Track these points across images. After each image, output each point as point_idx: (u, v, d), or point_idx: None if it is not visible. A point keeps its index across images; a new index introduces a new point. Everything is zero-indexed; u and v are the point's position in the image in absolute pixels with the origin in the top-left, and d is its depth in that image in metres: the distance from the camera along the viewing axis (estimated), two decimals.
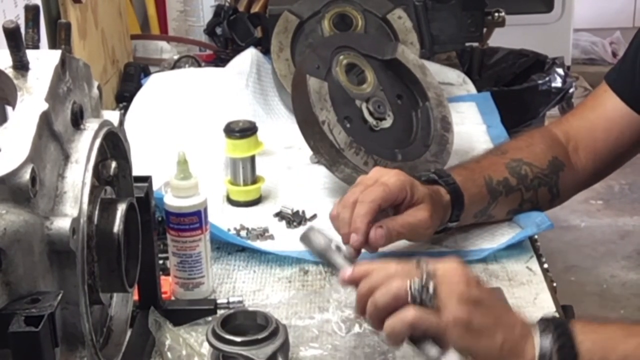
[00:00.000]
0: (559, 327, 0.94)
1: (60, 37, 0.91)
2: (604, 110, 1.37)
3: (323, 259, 1.05)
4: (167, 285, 1.19)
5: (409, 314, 0.91)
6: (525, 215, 1.34)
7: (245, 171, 1.47)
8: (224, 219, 1.40)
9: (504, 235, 1.33)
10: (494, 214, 1.33)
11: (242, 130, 1.45)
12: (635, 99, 1.34)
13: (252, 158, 1.47)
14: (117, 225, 0.89)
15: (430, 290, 0.91)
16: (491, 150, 1.43)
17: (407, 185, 1.19)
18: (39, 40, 0.89)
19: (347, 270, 1.00)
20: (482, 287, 0.96)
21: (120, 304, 1.01)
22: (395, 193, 1.17)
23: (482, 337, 0.92)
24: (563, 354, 0.93)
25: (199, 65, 2.11)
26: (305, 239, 1.07)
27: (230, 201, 1.48)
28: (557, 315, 1.15)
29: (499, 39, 2.33)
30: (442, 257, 1.25)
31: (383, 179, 1.19)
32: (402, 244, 1.31)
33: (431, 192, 1.23)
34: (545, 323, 0.95)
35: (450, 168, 1.35)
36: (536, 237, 1.35)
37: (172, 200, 1.15)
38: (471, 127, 1.76)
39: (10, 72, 0.84)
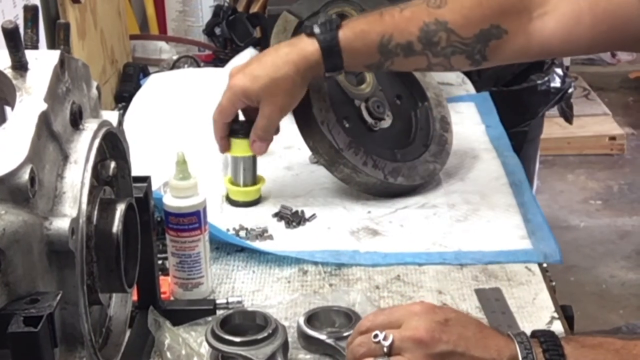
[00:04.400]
0: (549, 349, 0.90)
1: (59, 37, 0.91)
2: None
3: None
4: (166, 285, 1.19)
5: None
6: (539, 235, 1.32)
7: (247, 172, 1.46)
8: (223, 219, 1.40)
9: (506, 237, 1.33)
10: (393, 69, 1.37)
11: (242, 130, 1.44)
12: None
13: (254, 158, 1.46)
14: (116, 226, 0.89)
15: None
16: None
17: (237, 95, 1.37)
18: (37, 40, 0.89)
19: None
20: (450, 326, 0.92)
21: (120, 304, 1.01)
22: (229, 106, 1.39)
23: None
24: None
25: (198, 66, 2.12)
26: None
27: (230, 201, 1.47)
28: (556, 315, 1.15)
29: None
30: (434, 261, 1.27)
31: None
32: (403, 244, 1.32)
33: (275, 71, 1.34)
34: (530, 343, 0.91)
35: (356, 17, 1.40)
36: None
37: (171, 201, 1.15)
38: (470, 127, 1.76)
39: (9, 72, 0.84)
